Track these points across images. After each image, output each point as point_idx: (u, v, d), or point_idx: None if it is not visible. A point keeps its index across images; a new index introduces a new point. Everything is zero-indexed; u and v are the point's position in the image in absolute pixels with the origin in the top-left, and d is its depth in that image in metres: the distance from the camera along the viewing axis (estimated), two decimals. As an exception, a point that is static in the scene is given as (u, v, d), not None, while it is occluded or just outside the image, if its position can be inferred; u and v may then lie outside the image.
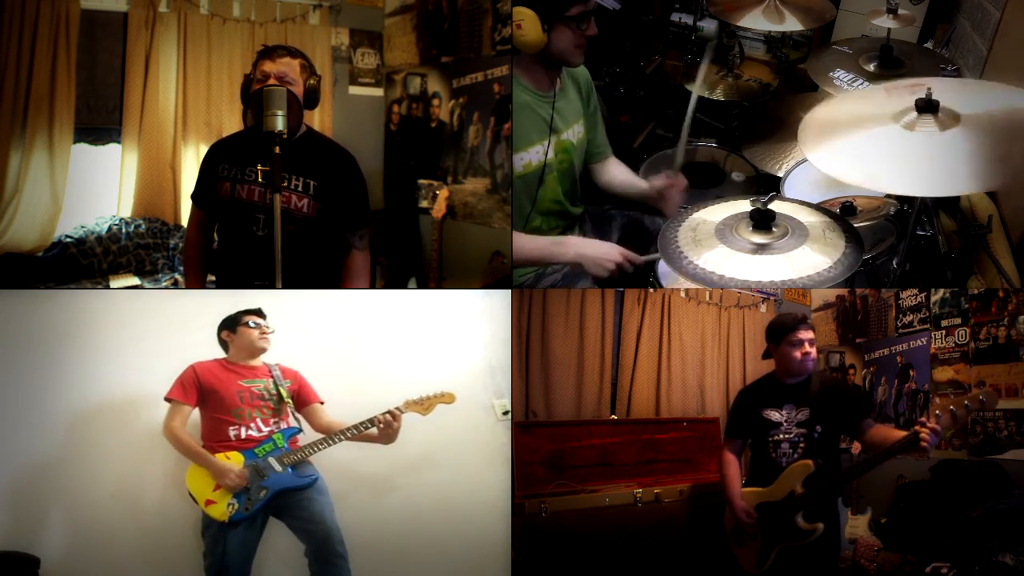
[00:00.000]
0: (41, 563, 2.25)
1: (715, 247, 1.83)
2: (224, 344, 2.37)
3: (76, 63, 3.83)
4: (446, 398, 2.36)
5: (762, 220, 1.85)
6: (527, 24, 2.24)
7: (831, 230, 1.87)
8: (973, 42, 2.96)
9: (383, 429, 2.25)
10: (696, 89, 2.78)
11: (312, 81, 2.34)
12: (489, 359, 2.64)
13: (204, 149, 4.00)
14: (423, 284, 4.37)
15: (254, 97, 2.17)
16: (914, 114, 1.81)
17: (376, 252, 4.47)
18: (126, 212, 4.11)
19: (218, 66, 4.21)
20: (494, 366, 2.63)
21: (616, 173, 2.73)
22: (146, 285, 3.99)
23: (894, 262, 2.14)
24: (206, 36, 4.17)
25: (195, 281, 2.53)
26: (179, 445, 2.21)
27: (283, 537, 2.26)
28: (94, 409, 2.40)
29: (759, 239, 1.83)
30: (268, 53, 2.32)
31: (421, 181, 4.37)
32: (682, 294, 3.24)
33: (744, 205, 1.93)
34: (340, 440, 2.26)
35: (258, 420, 2.26)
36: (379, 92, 4.91)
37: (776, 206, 1.87)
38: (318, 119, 4.47)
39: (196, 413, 2.28)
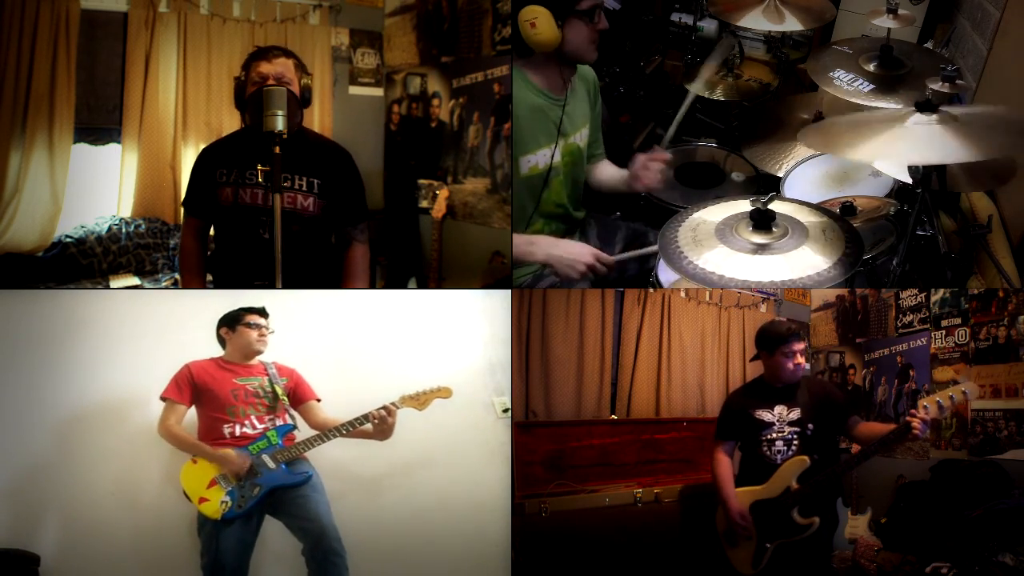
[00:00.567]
0: (41, 561, 2.25)
1: (715, 247, 1.83)
2: (222, 341, 2.37)
3: (76, 63, 3.83)
4: (442, 392, 2.35)
5: (762, 220, 1.85)
6: (541, 21, 2.23)
7: (831, 230, 1.87)
8: (973, 42, 2.95)
9: (378, 425, 2.25)
10: (697, 88, 2.78)
11: (306, 80, 2.35)
12: (489, 357, 2.64)
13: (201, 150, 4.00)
14: (423, 284, 4.37)
15: (253, 98, 2.17)
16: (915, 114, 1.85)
17: (376, 252, 4.48)
18: (126, 212, 4.11)
19: (218, 66, 4.21)
20: (494, 364, 2.64)
21: (607, 172, 2.73)
22: (146, 285, 3.99)
23: (894, 262, 2.14)
24: (206, 36, 4.18)
25: (194, 288, 2.53)
26: (176, 441, 2.22)
27: (280, 536, 2.26)
28: (94, 408, 2.40)
29: (759, 239, 1.83)
30: (263, 54, 2.32)
31: (421, 181, 4.38)
32: (682, 294, 3.24)
33: (744, 205, 1.93)
34: (335, 436, 2.26)
35: (253, 417, 2.26)
36: (379, 92, 4.92)
37: (776, 206, 1.87)
38: (318, 119, 4.47)
39: (193, 412, 2.29)
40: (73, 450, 2.37)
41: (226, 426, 2.24)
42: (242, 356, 2.34)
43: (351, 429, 2.26)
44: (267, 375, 2.34)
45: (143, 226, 4.13)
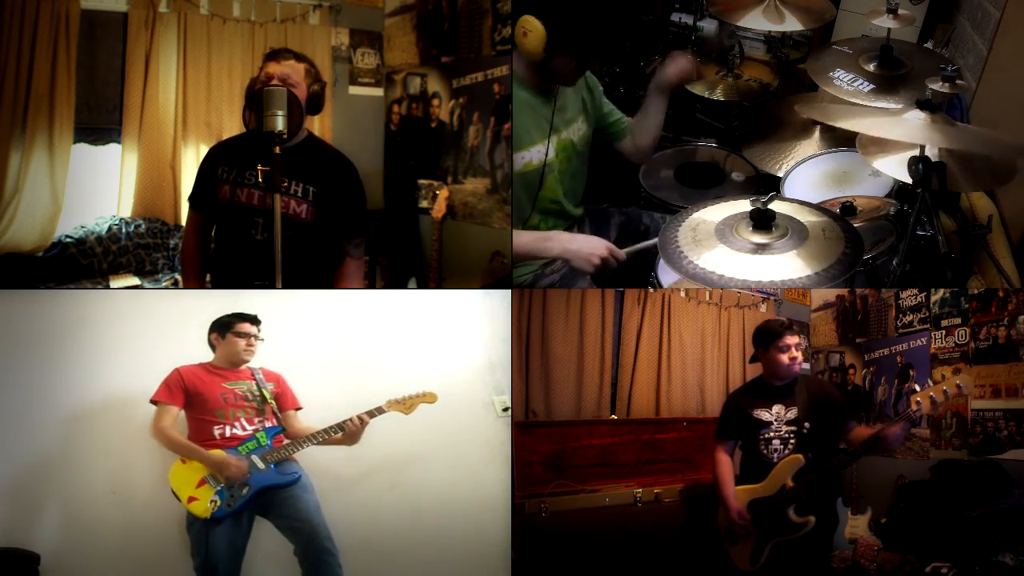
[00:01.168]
0: (41, 559, 2.25)
1: (715, 247, 1.83)
2: (212, 345, 2.38)
3: (76, 63, 3.83)
4: (427, 398, 2.38)
5: (762, 220, 1.85)
6: (532, 36, 2.23)
7: (831, 230, 1.87)
8: (973, 42, 2.95)
9: (350, 432, 2.26)
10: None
11: (316, 87, 2.34)
12: (489, 356, 2.64)
13: (204, 149, 4.01)
14: (423, 284, 4.37)
15: (255, 97, 2.17)
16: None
17: (376, 252, 4.48)
18: (126, 212, 4.11)
19: (218, 66, 4.21)
20: (494, 363, 2.64)
21: (641, 128, 2.73)
22: (146, 285, 3.99)
23: (894, 262, 2.14)
24: (206, 36, 4.18)
25: (194, 286, 2.54)
26: (171, 444, 2.22)
27: (273, 537, 2.26)
28: (94, 408, 2.40)
29: (759, 239, 1.84)
30: (274, 55, 2.33)
31: (421, 181, 4.38)
32: (682, 294, 3.24)
33: (744, 205, 1.93)
34: (315, 442, 2.27)
35: (242, 419, 2.27)
36: (379, 92, 4.92)
37: (776, 206, 1.87)
38: (318, 119, 4.46)
39: (182, 416, 2.29)
40: (73, 449, 2.37)
41: (216, 428, 2.24)
42: (229, 363, 2.36)
43: (328, 436, 2.27)
44: (254, 380, 2.35)
45: (143, 226, 4.13)
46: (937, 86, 2.19)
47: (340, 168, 2.42)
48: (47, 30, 3.72)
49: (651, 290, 3.11)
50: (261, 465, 2.22)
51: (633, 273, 2.52)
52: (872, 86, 2.57)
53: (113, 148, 4.11)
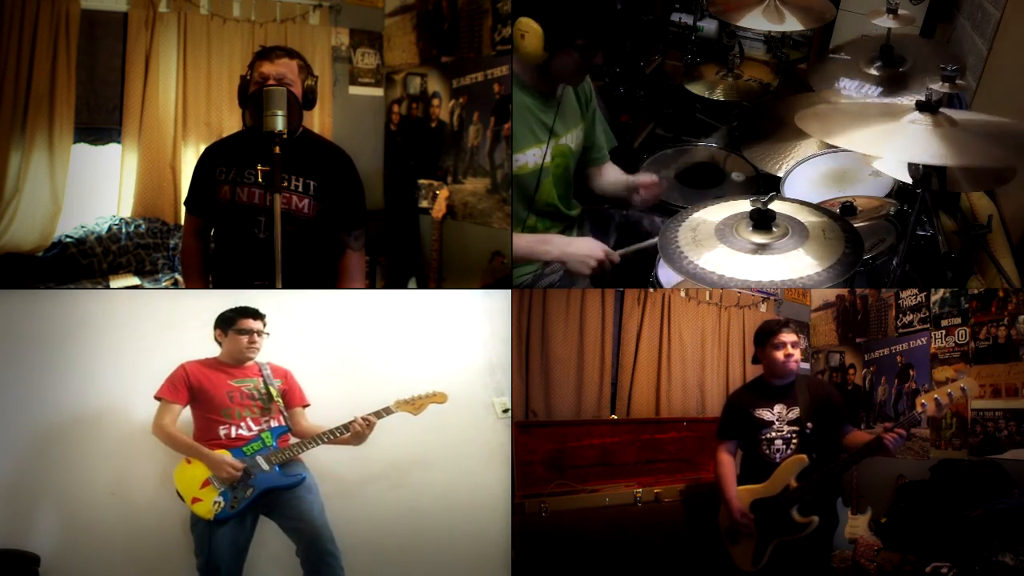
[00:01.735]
0: (41, 560, 2.25)
1: (715, 247, 1.83)
2: (217, 341, 2.37)
3: (76, 63, 3.83)
4: (437, 398, 2.37)
5: (762, 220, 1.85)
6: (530, 38, 2.23)
7: (831, 230, 1.87)
8: (973, 42, 2.95)
9: (356, 432, 2.26)
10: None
11: (310, 82, 2.34)
12: (489, 357, 2.64)
13: (204, 149, 4.00)
14: (423, 284, 4.37)
15: (253, 97, 2.17)
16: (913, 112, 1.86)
17: (376, 252, 4.48)
18: (126, 212, 4.11)
19: (218, 66, 4.21)
20: (494, 364, 2.64)
21: (611, 177, 2.73)
22: (146, 285, 3.99)
23: (894, 262, 2.14)
24: (206, 36, 4.18)
25: (198, 288, 2.53)
26: (170, 442, 2.22)
27: (276, 537, 2.26)
28: (93, 408, 2.40)
29: (759, 239, 1.83)
30: (266, 54, 2.31)
31: (421, 181, 4.38)
32: (682, 294, 3.24)
33: (744, 205, 1.93)
34: (317, 444, 2.27)
35: (248, 419, 2.27)
36: (379, 92, 4.92)
37: (776, 206, 1.87)
38: (318, 119, 4.47)
39: (187, 413, 2.29)
40: (73, 450, 2.36)
41: (221, 427, 2.24)
42: (235, 360, 2.35)
43: (334, 437, 2.27)
44: (261, 376, 2.34)
45: (143, 226, 4.13)
46: (937, 86, 2.19)
47: (338, 161, 2.42)
48: (47, 30, 3.72)
49: (651, 290, 3.11)
50: (265, 466, 2.22)
51: (633, 273, 2.52)
52: (880, 89, 2.58)
53: (113, 148, 4.11)
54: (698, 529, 2.64)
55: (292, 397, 2.38)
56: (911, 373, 3.12)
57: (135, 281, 4.00)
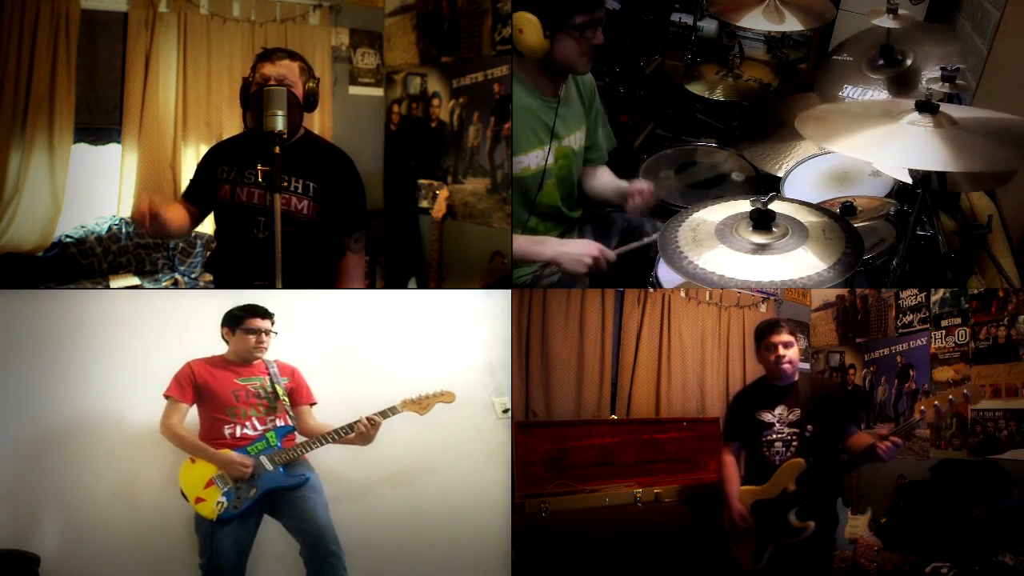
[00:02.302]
0: (41, 561, 2.25)
1: (715, 247, 1.83)
2: (224, 339, 2.37)
3: (76, 63, 3.83)
4: (445, 397, 2.37)
5: (762, 220, 1.85)
6: (528, 30, 2.22)
7: (831, 230, 1.87)
8: (973, 42, 2.95)
9: (361, 433, 2.26)
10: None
11: (311, 84, 2.34)
12: (489, 357, 2.64)
13: (204, 149, 4.00)
14: (423, 284, 4.37)
15: (254, 98, 2.17)
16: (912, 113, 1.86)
17: (376, 252, 4.48)
18: (126, 212, 4.11)
19: (218, 66, 4.21)
20: (494, 364, 2.64)
21: (603, 180, 2.73)
22: (146, 285, 3.99)
23: (894, 262, 2.14)
24: (206, 36, 4.18)
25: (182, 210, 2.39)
26: (178, 441, 2.22)
27: (279, 537, 2.26)
28: (94, 409, 2.40)
29: (759, 239, 1.83)
30: (268, 56, 2.31)
31: (421, 181, 4.38)
32: (682, 294, 3.24)
33: (744, 205, 1.93)
34: (324, 443, 2.27)
35: (254, 419, 2.27)
36: (379, 92, 4.92)
37: (776, 206, 1.87)
38: (318, 119, 4.47)
39: (194, 411, 2.29)
40: (73, 450, 2.36)
41: (227, 427, 2.24)
42: (241, 359, 2.35)
43: (338, 437, 2.27)
44: (268, 374, 2.34)
45: (143, 226, 4.12)
46: (937, 86, 2.19)
47: (339, 163, 2.42)
48: (47, 30, 3.72)
49: (651, 290, 3.11)
50: (269, 466, 2.21)
51: (633, 273, 2.52)
52: (885, 91, 2.58)
53: (113, 148, 4.11)
54: (699, 529, 2.64)
55: (299, 395, 2.37)
56: (911, 373, 3.12)
57: (135, 281, 4.00)
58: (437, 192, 4.18)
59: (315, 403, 2.39)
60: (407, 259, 4.59)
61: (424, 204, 4.30)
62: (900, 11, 2.70)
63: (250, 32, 4.30)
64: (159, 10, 4.04)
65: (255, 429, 2.26)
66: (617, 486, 2.70)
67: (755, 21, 2.94)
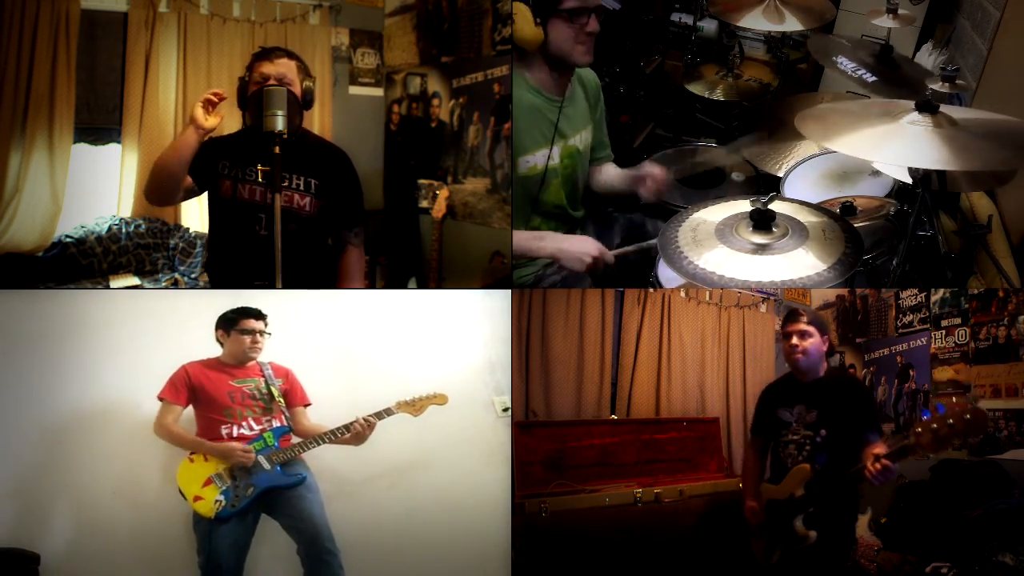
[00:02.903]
0: (41, 560, 2.25)
1: (715, 247, 1.83)
2: (219, 341, 2.38)
3: (76, 63, 3.83)
4: (438, 399, 2.39)
5: (762, 220, 1.85)
6: (519, 18, 2.22)
7: (831, 230, 1.87)
8: (973, 42, 2.95)
9: (357, 433, 2.28)
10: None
11: (308, 83, 2.34)
12: (489, 356, 2.64)
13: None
14: (423, 284, 4.37)
15: (253, 97, 2.17)
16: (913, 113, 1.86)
17: (376, 252, 4.48)
18: (126, 212, 4.11)
19: (218, 66, 4.21)
20: (494, 363, 2.64)
21: (611, 173, 2.74)
22: (146, 285, 3.99)
23: (894, 262, 2.14)
24: (206, 36, 4.17)
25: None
26: (173, 439, 2.23)
27: (278, 535, 2.27)
28: (94, 408, 2.40)
29: (759, 239, 1.83)
30: (266, 55, 2.32)
31: (421, 181, 4.37)
32: (682, 294, 3.24)
33: (744, 205, 1.93)
34: (319, 444, 2.28)
35: (250, 419, 2.28)
36: (379, 92, 4.91)
37: (776, 206, 1.87)
38: (318, 119, 4.46)
39: (190, 412, 2.30)
40: (73, 449, 2.37)
41: (223, 427, 2.25)
42: (236, 360, 2.35)
43: (335, 437, 2.28)
44: (263, 376, 2.35)
45: (143, 226, 4.12)
46: (937, 86, 2.19)
47: (337, 160, 2.45)
48: (47, 30, 3.72)
49: (651, 290, 3.11)
50: (267, 466, 2.23)
51: (633, 273, 2.52)
52: (875, 78, 2.57)
53: (113, 148, 4.11)
54: (701, 529, 2.64)
55: (293, 396, 2.38)
56: (911, 373, 3.12)
57: (135, 281, 3.99)
58: (437, 192, 4.17)
59: (309, 404, 2.41)
60: (407, 259, 4.58)
61: (424, 204, 4.29)
62: (900, 11, 2.70)
63: (250, 32, 4.30)
64: (159, 10, 4.04)
65: (252, 429, 2.27)
66: (617, 486, 2.70)
67: (755, 21, 2.95)
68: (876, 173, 2.45)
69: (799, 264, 1.77)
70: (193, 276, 4.13)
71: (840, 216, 2.01)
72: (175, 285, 4.02)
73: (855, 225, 1.94)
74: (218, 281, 2.48)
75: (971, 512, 2.41)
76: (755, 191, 2.75)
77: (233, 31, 4.26)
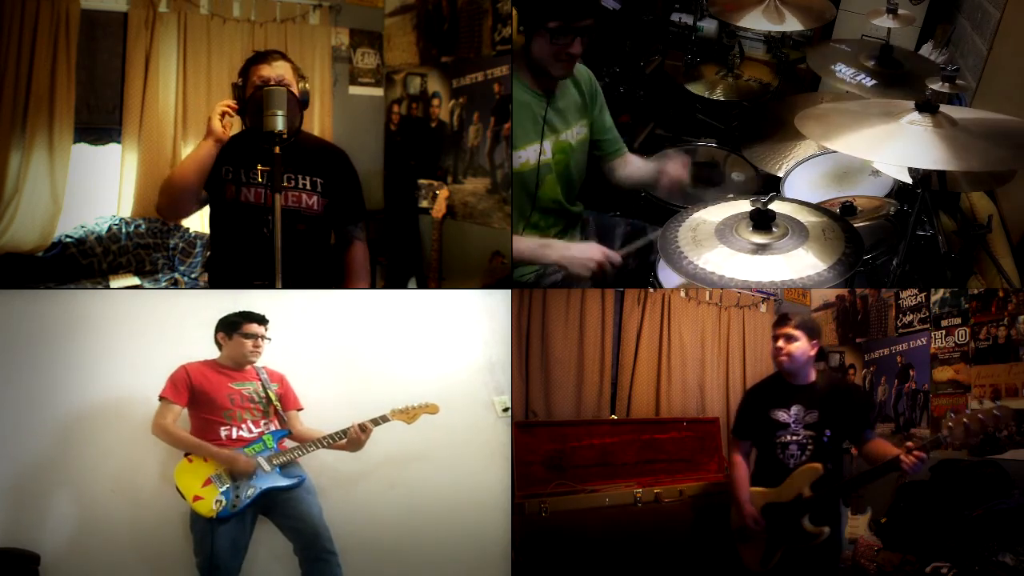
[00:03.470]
0: (41, 559, 2.25)
1: (715, 247, 1.84)
2: (218, 344, 2.38)
3: (76, 63, 3.83)
4: (429, 408, 2.40)
5: (762, 220, 1.85)
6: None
7: (831, 230, 1.87)
8: (973, 42, 2.96)
9: (352, 439, 2.28)
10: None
11: (304, 84, 2.37)
12: (489, 356, 2.64)
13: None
14: (423, 284, 4.37)
15: (254, 98, 2.18)
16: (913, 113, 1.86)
17: (376, 252, 4.48)
18: (126, 212, 4.11)
19: (218, 66, 4.21)
20: (494, 363, 2.64)
21: (634, 165, 2.72)
22: (146, 285, 3.99)
23: (894, 262, 2.14)
24: (206, 36, 4.17)
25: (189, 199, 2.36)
26: (174, 440, 2.23)
27: (276, 536, 2.27)
28: (94, 408, 2.40)
29: (759, 239, 1.83)
30: (263, 58, 2.34)
31: (421, 181, 4.38)
32: (682, 294, 3.24)
33: (744, 205, 1.93)
34: (316, 448, 2.30)
35: (249, 422, 2.29)
36: (379, 92, 4.91)
37: (776, 206, 1.87)
38: (318, 119, 4.47)
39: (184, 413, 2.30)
40: (73, 449, 2.36)
41: (223, 429, 2.25)
42: (235, 363, 2.36)
43: (332, 442, 2.29)
44: (259, 380, 2.36)
45: (143, 226, 4.13)
46: (937, 86, 2.19)
47: (337, 158, 2.49)
48: (47, 30, 3.72)
49: (651, 290, 3.11)
50: (267, 467, 2.24)
51: (633, 273, 2.52)
52: (874, 81, 2.57)
53: (113, 148, 4.11)
54: (699, 530, 2.64)
55: (287, 401, 2.40)
56: (911, 373, 3.12)
57: (135, 281, 4.00)
58: (437, 192, 4.17)
59: (301, 409, 2.41)
60: (407, 259, 4.59)
61: (424, 204, 4.30)
62: (900, 11, 2.70)
63: (250, 32, 4.30)
64: (159, 10, 4.04)
65: (251, 431, 2.28)
66: (617, 486, 2.70)
67: (755, 21, 2.95)
68: (876, 173, 2.45)
69: (799, 264, 1.77)
70: (193, 276, 4.14)
71: (840, 216, 2.02)
72: (175, 285, 4.02)
73: (855, 225, 1.94)
74: (218, 281, 2.48)
75: (971, 512, 2.41)
76: (755, 191, 2.75)
77: (233, 31, 4.26)
